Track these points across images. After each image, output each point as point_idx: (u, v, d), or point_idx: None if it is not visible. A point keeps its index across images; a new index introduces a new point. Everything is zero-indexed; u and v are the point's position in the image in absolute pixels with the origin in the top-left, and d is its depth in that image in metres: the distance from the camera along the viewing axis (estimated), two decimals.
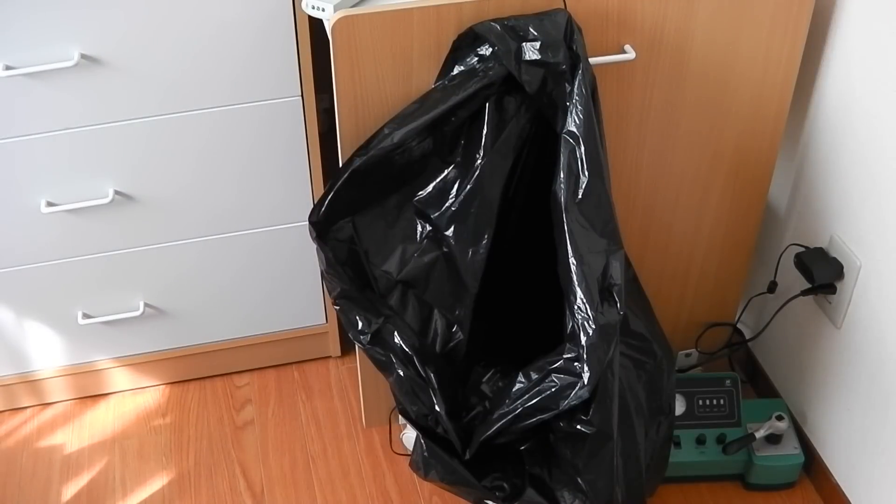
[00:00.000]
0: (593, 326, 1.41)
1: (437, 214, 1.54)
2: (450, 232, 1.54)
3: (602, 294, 1.44)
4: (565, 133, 1.44)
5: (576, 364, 1.44)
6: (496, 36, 1.44)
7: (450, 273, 1.57)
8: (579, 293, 1.43)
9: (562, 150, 1.44)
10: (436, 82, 1.51)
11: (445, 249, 1.55)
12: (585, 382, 1.43)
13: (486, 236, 1.53)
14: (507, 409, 1.51)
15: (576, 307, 1.43)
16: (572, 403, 1.45)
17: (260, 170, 1.82)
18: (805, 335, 1.85)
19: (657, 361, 1.66)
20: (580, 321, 1.42)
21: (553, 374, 1.46)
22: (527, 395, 1.49)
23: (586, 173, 1.43)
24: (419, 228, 1.56)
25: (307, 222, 1.52)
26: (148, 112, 1.70)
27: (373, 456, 1.97)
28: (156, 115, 1.71)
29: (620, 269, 1.45)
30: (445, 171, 1.52)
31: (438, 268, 1.57)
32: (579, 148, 1.43)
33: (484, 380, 1.67)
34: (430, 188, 1.54)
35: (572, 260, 1.43)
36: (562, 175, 1.44)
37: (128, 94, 1.67)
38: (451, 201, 1.52)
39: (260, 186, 1.84)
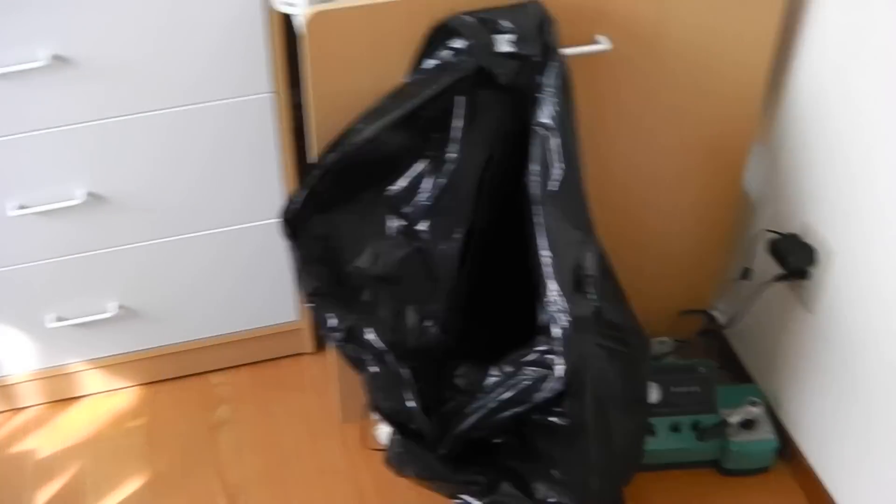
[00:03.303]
0: (567, 319, 1.41)
1: (409, 209, 1.53)
2: (423, 226, 1.53)
3: (576, 286, 1.44)
4: (538, 125, 1.44)
5: (548, 357, 1.44)
6: (469, 28, 1.43)
7: (423, 268, 1.56)
8: (553, 286, 1.42)
9: (534, 141, 1.44)
10: (408, 76, 1.50)
11: (418, 244, 1.55)
12: (559, 375, 1.43)
13: (459, 230, 1.53)
14: (480, 403, 1.50)
15: (549, 300, 1.42)
16: (546, 396, 1.45)
17: (233, 167, 1.81)
18: (779, 321, 1.86)
19: (631, 350, 1.66)
20: (554, 314, 1.42)
21: (526, 367, 1.46)
22: (500, 389, 1.48)
23: (559, 165, 1.43)
24: (392, 223, 1.55)
25: (280, 219, 1.51)
26: (119, 111, 1.68)
27: (350, 452, 1.96)
28: (128, 115, 1.69)
29: (594, 261, 1.45)
30: (418, 166, 1.51)
31: (412, 263, 1.56)
32: (552, 140, 1.43)
33: (458, 373, 1.67)
34: (402, 183, 1.53)
35: (545, 252, 1.43)
36: (535, 167, 1.44)
37: (98, 93, 1.65)
38: (424, 196, 1.52)
39: (232, 184, 1.83)
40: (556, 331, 1.42)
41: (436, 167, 1.50)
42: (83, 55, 1.60)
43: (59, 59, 1.59)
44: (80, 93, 1.64)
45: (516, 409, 1.49)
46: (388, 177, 1.53)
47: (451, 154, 1.48)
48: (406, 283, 1.58)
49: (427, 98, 1.45)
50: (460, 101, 1.47)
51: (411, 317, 1.59)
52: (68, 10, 1.55)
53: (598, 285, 1.44)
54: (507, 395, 1.48)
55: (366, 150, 1.47)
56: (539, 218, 1.43)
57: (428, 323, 1.60)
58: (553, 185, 1.43)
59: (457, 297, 1.60)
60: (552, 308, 1.42)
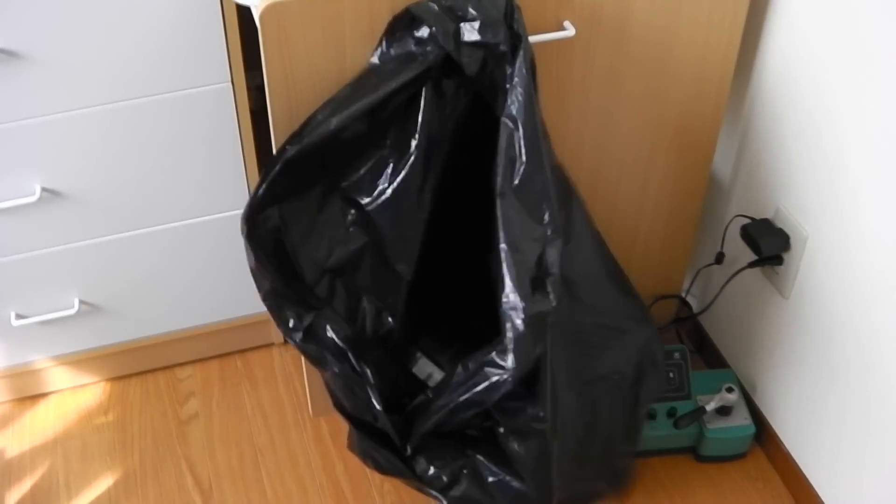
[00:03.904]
0: (521, 317, 1.37)
1: (367, 199, 1.49)
2: (382, 219, 1.49)
3: (534, 283, 1.40)
4: (505, 116, 1.40)
5: (501, 357, 1.41)
6: (433, 16, 1.39)
7: (380, 260, 1.53)
8: (508, 282, 1.38)
9: (501, 134, 1.40)
10: (371, 66, 1.46)
11: (377, 236, 1.51)
12: (510, 377, 1.40)
13: (420, 222, 1.50)
14: (442, 402, 1.48)
15: (503, 297, 1.39)
16: (498, 397, 1.42)
17: (193, 158, 1.77)
18: (753, 306, 1.85)
19: (626, 341, 1.65)
20: (508, 312, 1.39)
21: (485, 367, 1.43)
22: (461, 388, 1.46)
23: (524, 158, 1.39)
24: (347, 215, 1.51)
25: (242, 219, 1.47)
26: (73, 105, 1.64)
27: (321, 445, 1.94)
28: (82, 109, 1.65)
29: (557, 258, 1.40)
30: (378, 157, 1.47)
31: (368, 255, 1.53)
32: (518, 132, 1.39)
33: (417, 364, 1.65)
34: (361, 174, 1.48)
35: (503, 247, 1.38)
36: (499, 160, 1.40)
37: (52, 87, 1.61)
38: (383, 187, 1.48)
39: (193, 175, 1.79)
40: (509, 330, 1.39)
41: (397, 158, 1.47)
42: (32, 48, 1.56)
43: (5, 53, 1.55)
44: (33, 87, 1.60)
45: (476, 410, 1.47)
46: (345, 167, 1.49)
47: (413, 145, 1.45)
48: (362, 274, 1.54)
49: (392, 89, 1.41)
50: (424, 92, 1.43)
51: (368, 308, 1.56)
52: (13, 1, 1.52)
53: (558, 284, 1.41)
54: (467, 395, 1.46)
55: (327, 141, 1.44)
56: (499, 211, 1.39)
57: (384, 314, 1.57)
58: (516, 179, 1.39)
59: (419, 288, 1.57)
60: (507, 306, 1.38)
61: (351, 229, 1.51)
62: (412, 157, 1.45)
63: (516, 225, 1.39)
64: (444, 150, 1.47)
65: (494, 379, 1.42)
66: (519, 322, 1.37)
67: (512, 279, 1.38)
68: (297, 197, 1.49)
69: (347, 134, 1.44)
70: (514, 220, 1.39)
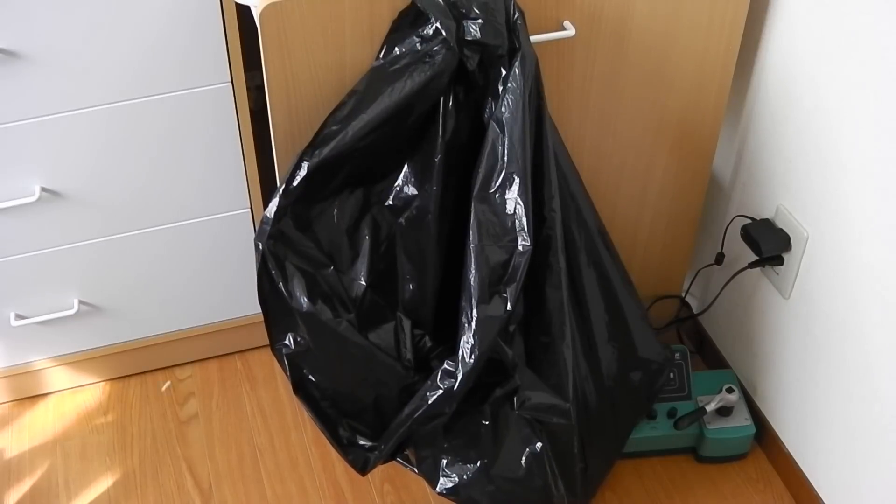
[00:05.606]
0: (475, 320, 1.38)
1: (395, 212, 1.49)
2: (410, 229, 1.49)
3: (493, 288, 1.39)
4: (493, 120, 1.40)
5: (454, 361, 1.42)
6: (438, 10, 1.38)
7: (412, 271, 1.53)
8: (470, 284, 1.39)
9: (487, 137, 1.40)
10: (375, 64, 1.45)
11: (407, 247, 1.50)
12: (459, 378, 1.40)
13: (445, 232, 1.49)
14: (407, 413, 1.50)
15: (463, 299, 1.39)
16: (447, 397, 1.44)
17: (192, 159, 1.77)
18: (753, 306, 1.84)
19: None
20: (462, 314, 1.39)
21: (439, 376, 1.45)
22: (420, 400, 1.48)
23: (505, 163, 1.39)
24: (380, 229, 1.50)
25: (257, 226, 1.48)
26: (73, 105, 1.64)
27: (321, 445, 1.93)
28: (81, 109, 1.65)
29: (523, 268, 1.39)
30: (402, 168, 1.47)
31: (401, 267, 1.53)
32: (503, 136, 1.38)
33: (433, 354, 1.65)
34: (387, 186, 1.48)
35: (471, 249, 1.39)
36: (481, 162, 1.39)
37: (52, 87, 1.61)
38: (409, 199, 1.47)
39: (193, 175, 1.79)
40: (462, 332, 1.39)
41: (420, 168, 1.46)
42: (31, 49, 1.56)
43: (5, 54, 1.55)
44: (32, 87, 1.60)
45: (438, 419, 1.49)
46: (371, 181, 1.48)
47: (436, 155, 1.44)
48: (398, 289, 1.54)
49: (407, 97, 1.39)
50: (442, 102, 1.42)
51: (406, 328, 1.56)
52: (15, 2, 1.51)
53: (517, 293, 1.39)
54: (423, 409, 1.47)
55: (347, 153, 1.42)
56: (472, 214, 1.39)
57: (418, 331, 1.56)
58: (494, 184, 1.39)
59: (440, 300, 1.57)
60: (463, 307, 1.38)
61: (384, 244, 1.51)
62: (434, 167, 1.44)
63: (487, 229, 1.38)
64: (460, 155, 1.46)
65: (447, 385, 1.42)
66: (473, 324, 1.38)
67: (473, 281, 1.38)
68: (325, 215, 1.47)
69: (369, 146, 1.42)
70: (486, 224, 1.38)
